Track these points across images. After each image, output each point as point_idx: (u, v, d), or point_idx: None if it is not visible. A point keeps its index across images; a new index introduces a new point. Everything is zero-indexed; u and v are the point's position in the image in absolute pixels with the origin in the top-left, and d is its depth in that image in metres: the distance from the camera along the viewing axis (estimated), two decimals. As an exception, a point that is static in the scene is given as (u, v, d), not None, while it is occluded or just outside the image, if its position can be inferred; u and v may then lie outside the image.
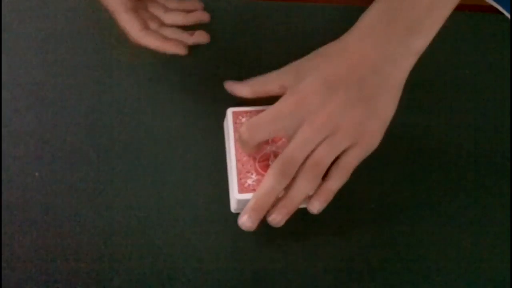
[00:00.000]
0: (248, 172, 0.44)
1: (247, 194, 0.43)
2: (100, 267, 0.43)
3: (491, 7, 0.64)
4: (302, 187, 0.42)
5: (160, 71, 0.55)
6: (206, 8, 0.61)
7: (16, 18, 0.58)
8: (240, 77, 0.53)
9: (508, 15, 0.63)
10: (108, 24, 0.55)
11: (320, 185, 0.43)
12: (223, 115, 0.49)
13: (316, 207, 0.43)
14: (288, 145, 0.42)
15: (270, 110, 0.43)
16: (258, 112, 0.47)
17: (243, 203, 0.44)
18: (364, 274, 0.44)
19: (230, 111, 0.48)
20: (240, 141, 0.44)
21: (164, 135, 0.51)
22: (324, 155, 0.42)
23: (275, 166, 0.42)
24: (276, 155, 0.44)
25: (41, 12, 0.58)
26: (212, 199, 0.47)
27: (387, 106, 0.44)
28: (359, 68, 0.43)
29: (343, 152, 0.43)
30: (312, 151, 0.42)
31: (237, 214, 0.46)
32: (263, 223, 0.45)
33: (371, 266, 0.45)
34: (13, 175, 0.47)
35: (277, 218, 0.43)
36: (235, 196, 0.43)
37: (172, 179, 0.48)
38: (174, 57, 0.56)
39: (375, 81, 0.43)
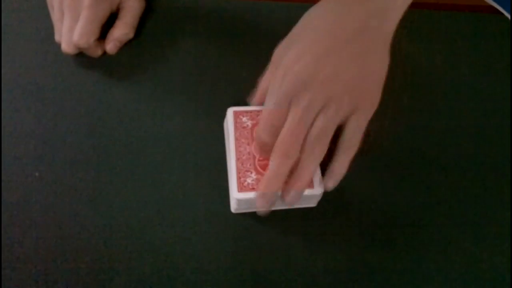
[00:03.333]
0: (247, 171, 0.44)
1: (246, 193, 0.43)
2: (100, 267, 0.43)
3: (491, 7, 0.64)
4: (309, 164, 0.41)
5: (160, 71, 0.55)
6: (206, 8, 0.61)
7: (16, 18, 0.58)
8: (240, 77, 0.54)
9: (508, 15, 0.63)
10: (108, 24, 0.55)
11: (332, 161, 0.42)
12: (223, 115, 0.49)
13: (330, 184, 0.43)
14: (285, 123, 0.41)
15: (277, 94, 0.41)
16: (258, 111, 0.47)
17: (243, 202, 0.44)
18: (364, 274, 0.44)
19: (230, 111, 0.48)
20: (262, 149, 0.43)
21: (164, 135, 0.51)
22: (324, 127, 0.40)
23: (277, 147, 0.40)
24: None
25: (41, 12, 0.58)
26: (212, 199, 0.47)
27: (379, 62, 0.42)
28: (345, 29, 0.41)
29: (347, 120, 0.41)
30: (312, 124, 0.40)
31: (237, 214, 0.46)
32: (263, 224, 0.46)
33: (371, 266, 0.45)
34: (13, 175, 0.47)
35: (289, 199, 0.42)
36: (235, 195, 0.43)
37: (172, 179, 0.48)
38: (174, 57, 0.56)
39: (363, 38, 0.41)
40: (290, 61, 0.41)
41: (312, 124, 0.40)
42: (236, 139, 0.46)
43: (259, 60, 0.57)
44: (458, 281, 0.44)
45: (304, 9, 0.64)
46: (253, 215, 0.46)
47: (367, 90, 0.41)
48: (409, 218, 0.48)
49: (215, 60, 0.56)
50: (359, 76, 0.41)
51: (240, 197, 0.43)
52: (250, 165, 0.45)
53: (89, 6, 0.52)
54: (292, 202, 0.42)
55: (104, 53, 0.55)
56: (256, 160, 0.45)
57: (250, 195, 0.43)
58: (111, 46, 0.55)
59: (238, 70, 0.55)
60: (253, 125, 0.47)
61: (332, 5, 0.43)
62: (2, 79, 0.53)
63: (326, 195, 0.46)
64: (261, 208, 0.43)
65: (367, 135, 0.43)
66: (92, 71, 0.55)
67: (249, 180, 0.44)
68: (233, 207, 0.46)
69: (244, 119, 0.47)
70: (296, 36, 0.44)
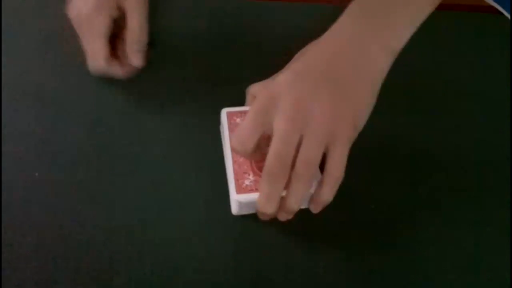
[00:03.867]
0: (245, 173, 0.44)
1: (245, 194, 0.43)
2: (100, 267, 0.43)
3: (491, 7, 0.64)
4: (299, 190, 0.41)
5: (160, 71, 0.55)
6: (206, 8, 0.61)
7: (16, 18, 0.58)
8: (240, 77, 0.53)
9: (508, 15, 0.63)
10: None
11: (318, 187, 0.42)
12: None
13: (314, 210, 0.43)
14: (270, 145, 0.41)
15: (248, 113, 0.42)
16: None
17: (243, 205, 0.44)
18: (364, 274, 0.44)
19: (224, 112, 0.47)
20: (237, 152, 0.42)
21: (164, 135, 0.51)
22: (310, 152, 0.40)
23: (265, 171, 0.41)
24: None
25: (41, 12, 0.58)
26: (212, 199, 0.47)
27: (361, 97, 0.42)
28: (334, 61, 0.42)
29: (328, 150, 0.41)
30: (297, 149, 0.40)
31: (238, 215, 0.46)
32: (263, 224, 0.46)
33: (371, 266, 0.45)
34: (13, 175, 0.47)
35: (283, 219, 0.43)
36: (234, 197, 0.43)
37: (172, 179, 0.48)
38: (174, 57, 0.56)
39: (349, 73, 0.42)
40: (275, 85, 0.42)
41: (297, 149, 0.40)
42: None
43: (259, 60, 0.57)
44: (458, 281, 0.44)
45: (304, 9, 0.64)
46: (253, 216, 0.46)
47: (344, 117, 0.41)
48: (409, 218, 0.48)
49: (215, 60, 0.57)
50: (336, 101, 0.41)
51: (239, 199, 0.43)
52: (247, 166, 0.44)
53: (85, 25, 0.51)
54: (286, 219, 0.43)
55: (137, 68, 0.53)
56: (253, 161, 0.44)
57: (250, 197, 0.43)
58: (133, 58, 0.52)
59: (238, 70, 0.55)
60: None
61: (331, 37, 0.44)
62: (2, 79, 0.53)
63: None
64: (263, 219, 0.44)
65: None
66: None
67: (247, 182, 0.44)
68: (234, 210, 0.46)
69: (238, 120, 0.47)
70: (293, 61, 0.46)
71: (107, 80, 0.53)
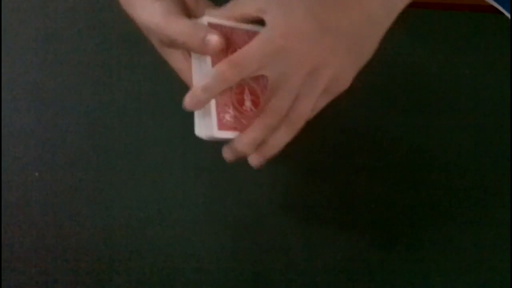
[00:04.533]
0: (226, 105, 0.39)
1: (226, 132, 0.38)
2: (100, 267, 0.43)
3: (491, 7, 0.64)
4: (284, 138, 0.40)
5: (160, 71, 0.55)
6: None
7: (16, 18, 0.58)
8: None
9: (508, 15, 0.63)
10: (108, 24, 0.55)
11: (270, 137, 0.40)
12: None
13: (256, 161, 0.41)
14: (275, 91, 0.39)
15: (256, 46, 0.38)
16: (234, 28, 0.41)
17: (216, 138, 0.39)
18: (364, 274, 0.44)
19: (205, 21, 0.39)
20: (220, 77, 0.38)
21: (164, 135, 0.51)
22: (309, 107, 0.40)
23: (264, 119, 0.39)
24: (250, 89, 0.39)
25: (41, 12, 0.58)
26: (212, 199, 0.47)
27: (367, 56, 0.42)
28: (355, 15, 0.40)
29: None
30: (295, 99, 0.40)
31: (237, 214, 0.46)
32: (263, 224, 0.46)
33: (371, 266, 0.45)
34: (13, 175, 0.47)
35: (255, 162, 0.41)
36: (215, 133, 0.38)
37: (172, 179, 0.48)
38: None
39: (368, 31, 0.41)
40: (294, 29, 0.39)
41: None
42: (213, 63, 0.38)
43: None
44: (458, 281, 0.44)
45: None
46: (253, 215, 0.46)
47: (345, 79, 0.41)
48: (409, 218, 0.47)
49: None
50: (347, 64, 0.41)
51: (218, 135, 0.38)
52: (228, 97, 0.39)
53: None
54: (257, 164, 0.41)
55: None
56: (233, 92, 0.39)
57: (229, 135, 0.38)
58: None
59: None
60: (229, 46, 0.39)
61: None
62: (2, 79, 0.53)
63: (326, 195, 0.46)
64: (230, 157, 0.41)
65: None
66: (92, 71, 0.55)
67: (227, 117, 0.39)
68: (201, 134, 0.40)
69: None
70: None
71: (107, 80, 0.53)
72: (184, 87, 0.54)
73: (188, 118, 0.52)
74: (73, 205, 0.46)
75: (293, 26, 0.39)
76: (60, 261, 0.43)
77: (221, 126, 0.38)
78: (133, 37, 0.58)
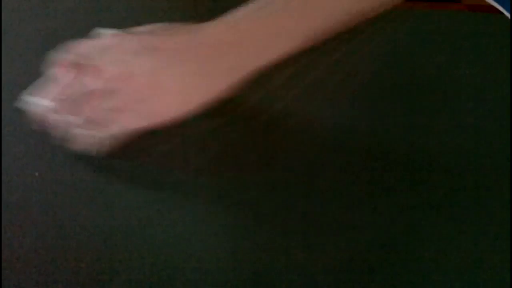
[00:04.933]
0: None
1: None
2: (100, 267, 0.43)
3: (491, 7, 0.64)
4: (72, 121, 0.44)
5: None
6: (206, 8, 0.61)
7: (16, 18, 0.58)
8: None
9: (508, 15, 0.63)
10: (108, 24, 0.55)
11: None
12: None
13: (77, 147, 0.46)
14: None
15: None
16: None
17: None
18: (364, 274, 0.44)
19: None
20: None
21: (164, 135, 0.51)
22: (104, 107, 0.43)
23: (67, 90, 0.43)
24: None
25: (41, 12, 0.58)
26: (212, 199, 0.47)
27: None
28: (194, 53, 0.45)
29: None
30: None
31: (238, 214, 0.46)
32: (263, 224, 0.46)
33: (371, 266, 0.45)
34: (13, 175, 0.47)
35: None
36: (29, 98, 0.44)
37: (172, 179, 0.48)
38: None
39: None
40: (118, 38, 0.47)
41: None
42: None
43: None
44: (458, 281, 0.44)
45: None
46: (253, 216, 0.46)
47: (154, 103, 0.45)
48: (409, 218, 0.47)
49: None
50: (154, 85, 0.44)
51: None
52: None
53: None
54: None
55: None
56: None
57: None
58: None
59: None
60: None
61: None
62: (2, 79, 0.53)
63: (326, 195, 0.46)
64: None
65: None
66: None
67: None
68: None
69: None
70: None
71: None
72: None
73: (188, 118, 0.52)
74: (73, 205, 0.46)
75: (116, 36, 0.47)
76: (60, 261, 0.43)
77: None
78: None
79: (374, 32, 0.62)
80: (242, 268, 0.44)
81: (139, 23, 0.60)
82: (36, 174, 0.47)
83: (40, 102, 0.46)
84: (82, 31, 0.57)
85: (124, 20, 0.62)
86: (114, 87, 0.44)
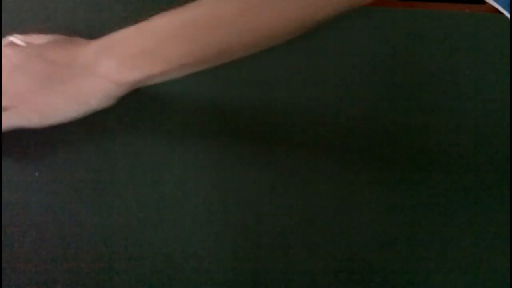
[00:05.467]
0: None
1: None
2: (100, 267, 0.43)
3: (491, 7, 0.64)
4: None
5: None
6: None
7: (16, 18, 0.58)
8: (240, 77, 0.54)
9: (508, 15, 0.63)
10: (108, 24, 0.55)
11: None
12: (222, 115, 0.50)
13: None
14: None
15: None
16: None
17: None
18: (364, 274, 0.44)
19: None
20: None
21: (164, 135, 0.51)
22: None
23: None
24: None
25: (41, 12, 0.58)
26: (212, 199, 0.47)
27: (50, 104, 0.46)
28: (58, 65, 0.46)
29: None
30: None
31: (238, 213, 0.46)
32: (263, 224, 0.46)
33: (371, 266, 0.45)
34: (13, 175, 0.47)
35: None
36: None
37: (172, 179, 0.48)
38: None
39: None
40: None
41: None
42: None
43: (259, 60, 0.57)
44: (458, 281, 0.44)
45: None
46: (253, 215, 0.46)
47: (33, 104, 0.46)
48: (409, 218, 0.47)
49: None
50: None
51: None
52: None
53: None
54: None
55: None
56: None
57: None
58: None
59: (238, 70, 0.55)
60: None
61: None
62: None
63: (326, 195, 0.46)
64: None
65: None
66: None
67: None
68: None
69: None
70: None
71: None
72: (183, 88, 0.54)
73: (188, 118, 0.52)
74: (73, 205, 0.46)
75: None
76: (60, 261, 0.43)
77: None
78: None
79: (374, 32, 0.62)
80: (242, 268, 0.44)
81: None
82: (36, 174, 0.47)
83: None
84: (82, 31, 0.57)
85: (124, 20, 0.62)
86: None
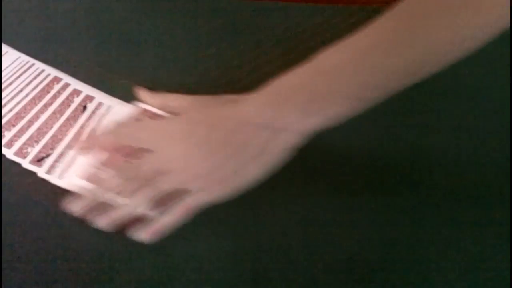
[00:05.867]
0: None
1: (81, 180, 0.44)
2: (100, 267, 0.43)
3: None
4: (135, 204, 0.43)
5: (160, 71, 0.55)
6: (206, 8, 0.61)
7: (16, 18, 0.58)
8: (240, 77, 0.54)
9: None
10: (108, 24, 0.55)
11: (156, 216, 0.43)
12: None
13: (144, 237, 0.43)
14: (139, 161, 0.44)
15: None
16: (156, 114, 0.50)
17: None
18: (364, 274, 0.44)
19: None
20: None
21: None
22: (165, 187, 0.43)
23: (124, 173, 0.43)
24: None
25: (41, 12, 0.58)
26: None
27: (252, 166, 0.43)
28: (238, 120, 0.43)
29: (188, 191, 0.43)
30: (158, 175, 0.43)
31: (238, 213, 0.46)
32: (263, 224, 0.46)
33: (371, 266, 0.45)
34: (13, 175, 0.47)
35: (103, 221, 0.43)
36: (72, 178, 0.44)
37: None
38: (173, 56, 0.56)
39: (247, 135, 0.42)
40: (174, 122, 0.46)
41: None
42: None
43: (259, 60, 0.57)
44: (458, 281, 0.44)
45: (304, 9, 0.64)
46: (253, 216, 0.46)
47: (221, 181, 0.43)
48: (409, 218, 0.47)
49: (215, 60, 0.56)
50: (216, 167, 0.43)
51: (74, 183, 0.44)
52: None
53: None
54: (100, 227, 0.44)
55: None
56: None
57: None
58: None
59: (238, 70, 0.55)
60: None
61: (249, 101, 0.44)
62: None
63: (326, 195, 0.45)
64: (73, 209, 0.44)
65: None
66: (92, 71, 0.55)
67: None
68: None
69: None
70: (218, 104, 0.47)
71: (107, 80, 0.53)
72: (183, 88, 0.54)
73: (188, 118, 0.52)
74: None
75: (175, 119, 0.47)
76: (60, 261, 0.43)
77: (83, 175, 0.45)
78: (133, 37, 0.58)
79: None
80: (242, 268, 0.44)
81: (139, 23, 0.60)
82: (36, 174, 0.47)
83: (86, 185, 0.45)
84: (82, 31, 0.57)
85: (124, 20, 0.62)
86: (170, 168, 0.43)
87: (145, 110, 0.50)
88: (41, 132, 0.49)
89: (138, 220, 0.43)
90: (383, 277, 0.44)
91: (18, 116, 0.50)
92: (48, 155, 0.47)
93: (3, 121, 0.49)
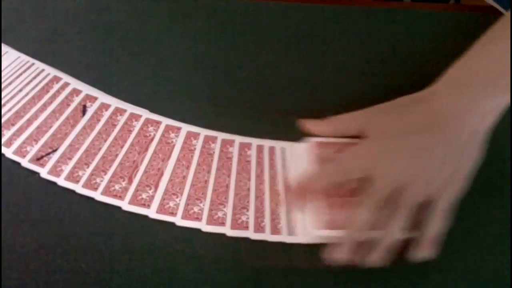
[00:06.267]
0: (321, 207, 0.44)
1: (327, 230, 0.43)
2: (100, 267, 0.43)
3: (491, 7, 0.64)
4: (398, 227, 0.42)
5: (160, 71, 0.55)
6: (206, 8, 0.61)
7: (16, 18, 0.58)
8: (240, 77, 0.53)
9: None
10: (108, 24, 0.55)
11: (422, 233, 0.43)
12: (221, 115, 0.49)
13: (424, 254, 0.43)
14: (379, 181, 0.43)
15: (351, 151, 0.44)
16: (336, 143, 0.47)
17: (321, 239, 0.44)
18: (364, 274, 0.44)
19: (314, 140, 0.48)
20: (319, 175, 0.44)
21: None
22: (413, 201, 0.43)
23: (370, 201, 0.42)
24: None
25: (41, 12, 0.58)
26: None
27: (470, 151, 0.44)
28: (438, 116, 0.44)
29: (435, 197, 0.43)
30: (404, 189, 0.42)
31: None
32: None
33: (371, 266, 0.45)
34: (13, 175, 0.47)
35: (374, 258, 0.42)
36: (316, 232, 0.43)
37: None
38: (173, 56, 0.56)
39: (454, 125, 0.43)
40: (385, 135, 0.45)
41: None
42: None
43: (259, 60, 0.57)
44: (458, 281, 0.44)
45: (304, 9, 0.64)
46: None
47: (457, 173, 0.44)
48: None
49: (215, 60, 0.57)
50: (447, 159, 0.43)
51: (321, 234, 0.43)
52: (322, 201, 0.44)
53: None
54: (372, 264, 0.43)
55: None
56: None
57: (330, 232, 0.43)
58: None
59: (238, 70, 0.55)
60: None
61: (434, 91, 0.46)
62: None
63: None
64: (340, 257, 0.43)
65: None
66: (92, 71, 0.55)
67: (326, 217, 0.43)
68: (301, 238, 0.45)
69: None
70: (397, 106, 0.47)
71: (107, 81, 0.53)
72: (183, 88, 0.54)
73: (187, 118, 0.52)
74: (73, 205, 0.46)
75: (382, 134, 0.45)
76: (60, 261, 0.43)
77: (321, 225, 0.43)
78: (133, 37, 0.58)
79: (374, 32, 0.62)
80: (242, 268, 0.44)
81: (139, 23, 0.60)
82: (36, 174, 0.47)
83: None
84: (82, 31, 0.57)
85: (124, 20, 0.62)
86: (407, 182, 0.43)
87: (320, 143, 0.48)
88: (40, 131, 0.49)
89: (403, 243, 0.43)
90: (383, 277, 0.44)
91: (18, 115, 0.50)
92: (47, 154, 0.47)
93: (2, 120, 0.49)
